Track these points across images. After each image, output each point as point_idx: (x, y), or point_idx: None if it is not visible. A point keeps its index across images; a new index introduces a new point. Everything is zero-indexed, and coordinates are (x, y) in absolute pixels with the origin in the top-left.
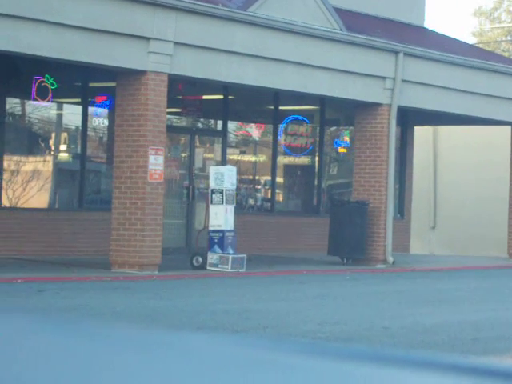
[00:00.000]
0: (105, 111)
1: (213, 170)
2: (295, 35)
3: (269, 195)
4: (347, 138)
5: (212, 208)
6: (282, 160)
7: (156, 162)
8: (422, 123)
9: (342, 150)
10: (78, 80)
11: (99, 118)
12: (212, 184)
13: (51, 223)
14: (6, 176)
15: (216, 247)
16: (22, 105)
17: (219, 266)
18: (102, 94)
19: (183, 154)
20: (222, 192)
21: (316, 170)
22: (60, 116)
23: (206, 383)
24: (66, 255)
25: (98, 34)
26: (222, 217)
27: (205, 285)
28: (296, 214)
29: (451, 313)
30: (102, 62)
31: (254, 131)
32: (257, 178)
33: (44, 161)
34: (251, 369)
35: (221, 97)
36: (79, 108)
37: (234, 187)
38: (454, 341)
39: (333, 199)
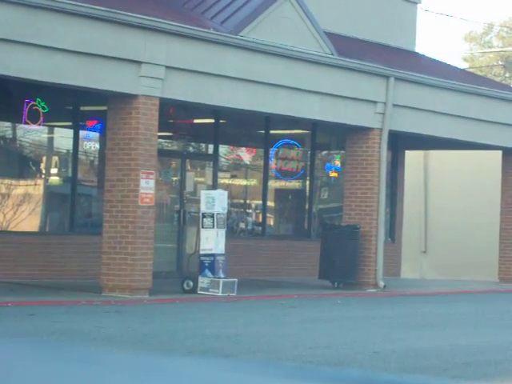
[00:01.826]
0: (96, 135)
1: (204, 194)
2: (286, 59)
3: (260, 219)
4: (338, 162)
5: (203, 232)
6: (273, 184)
7: (147, 186)
8: (412, 147)
9: (333, 174)
10: (69, 104)
11: (90, 142)
12: (203, 208)
13: (42, 247)
14: None
15: (207, 271)
16: (13, 128)
17: (210, 290)
18: (93, 117)
19: (174, 178)
20: (212, 216)
21: (307, 194)
22: (51, 140)
23: None
24: (57, 279)
25: (90, 58)
26: (212, 241)
27: (196, 309)
28: (287, 238)
29: (442, 337)
30: (93, 85)
31: (245, 155)
32: (248, 202)
33: (35, 184)
34: None
35: (212, 121)
36: (70, 132)
37: (225, 211)
38: (446, 365)
39: (324, 223)
